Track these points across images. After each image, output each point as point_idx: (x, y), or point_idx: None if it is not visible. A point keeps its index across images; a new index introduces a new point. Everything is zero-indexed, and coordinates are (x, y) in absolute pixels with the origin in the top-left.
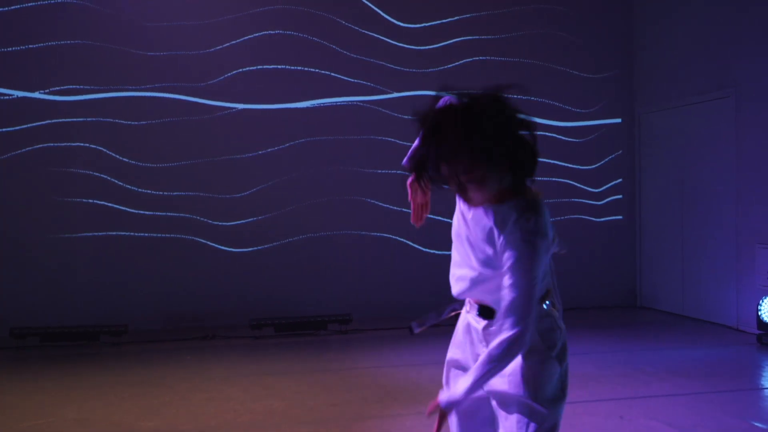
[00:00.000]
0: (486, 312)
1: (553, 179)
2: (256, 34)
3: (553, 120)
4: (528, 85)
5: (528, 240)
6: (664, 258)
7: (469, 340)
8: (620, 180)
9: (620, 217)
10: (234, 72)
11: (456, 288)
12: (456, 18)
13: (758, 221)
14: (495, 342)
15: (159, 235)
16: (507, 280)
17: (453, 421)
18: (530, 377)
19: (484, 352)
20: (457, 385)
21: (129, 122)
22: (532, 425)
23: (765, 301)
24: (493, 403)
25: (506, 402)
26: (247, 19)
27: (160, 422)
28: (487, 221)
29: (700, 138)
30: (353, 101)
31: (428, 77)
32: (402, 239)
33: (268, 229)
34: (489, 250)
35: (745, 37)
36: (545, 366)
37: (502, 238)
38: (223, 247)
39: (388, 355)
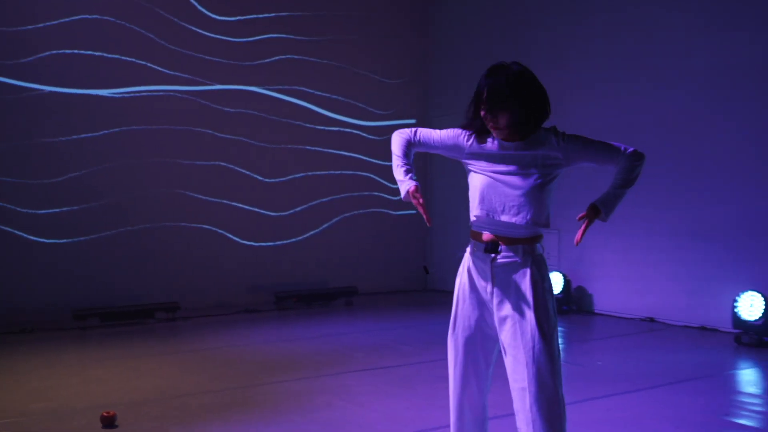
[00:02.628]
0: (492, 246)
1: (358, 173)
2: (73, 18)
3: (357, 119)
4: (335, 86)
5: (570, 134)
6: (450, 246)
7: (477, 282)
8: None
9: (414, 211)
10: (47, 53)
11: (491, 219)
12: (272, 15)
13: None
14: (625, 157)
15: None
16: (598, 146)
17: (458, 344)
18: (536, 299)
19: (617, 179)
20: (606, 201)
21: None
22: (544, 336)
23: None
24: (503, 326)
25: (522, 321)
26: (65, 1)
27: (51, 403)
28: (535, 150)
29: None
30: (171, 91)
31: (244, 71)
32: (220, 230)
33: (85, 220)
34: (542, 169)
35: (531, 52)
36: (549, 294)
37: (564, 146)
38: (38, 239)
39: (238, 336)
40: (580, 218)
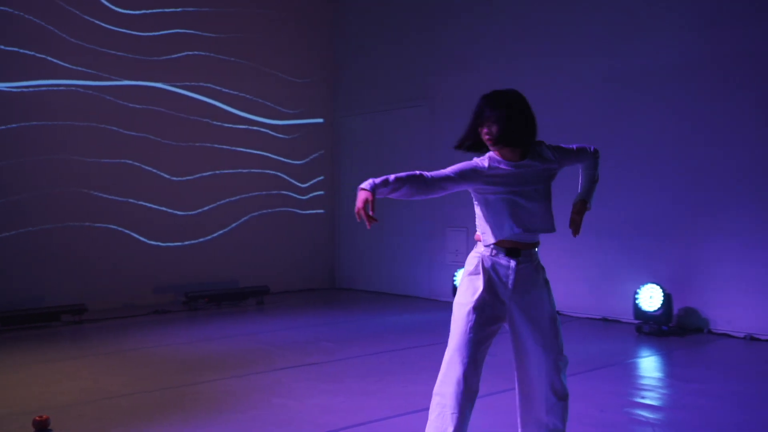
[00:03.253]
0: (514, 252)
1: (267, 171)
2: None
3: (265, 117)
4: (243, 84)
5: (555, 145)
6: (361, 246)
7: (496, 281)
8: (322, 177)
9: (322, 211)
10: None
11: (527, 232)
12: (178, 9)
13: (448, 210)
14: (591, 155)
15: None
16: (576, 152)
17: (475, 334)
18: (548, 295)
19: (587, 175)
20: (588, 195)
21: None
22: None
23: (458, 273)
24: (522, 319)
25: (541, 314)
26: None
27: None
28: (538, 165)
29: (396, 140)
30: (72, 85)
31: (149, 66)
32: (126, 230)
33: None
34: (546, 181)
35: (438, 56)
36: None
37: (557, 157)
38: None
39: (152, 337)
40: (575, 213)
